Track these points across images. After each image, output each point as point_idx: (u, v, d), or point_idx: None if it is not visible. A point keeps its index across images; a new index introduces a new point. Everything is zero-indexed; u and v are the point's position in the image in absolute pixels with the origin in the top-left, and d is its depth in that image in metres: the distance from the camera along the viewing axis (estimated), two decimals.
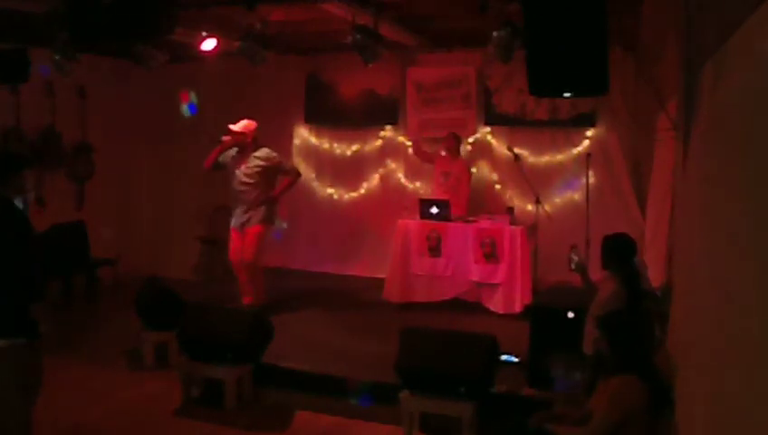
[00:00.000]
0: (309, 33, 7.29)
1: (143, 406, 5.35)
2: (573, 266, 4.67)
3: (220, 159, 6.89)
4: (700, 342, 2.99)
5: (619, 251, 4.31)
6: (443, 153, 7.94)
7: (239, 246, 6.88)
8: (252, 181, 6.80)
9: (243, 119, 7.17)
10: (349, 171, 8.98)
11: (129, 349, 6.24)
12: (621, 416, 3.35)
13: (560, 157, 7.97)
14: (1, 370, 3.54)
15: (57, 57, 6.46)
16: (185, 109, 9.02)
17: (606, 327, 3.64)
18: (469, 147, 8.33)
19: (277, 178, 7.00)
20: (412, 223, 7.45)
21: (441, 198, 7.57)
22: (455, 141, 7.83)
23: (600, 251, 4.40)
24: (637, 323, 3.67)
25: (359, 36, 5.72)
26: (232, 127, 6.83)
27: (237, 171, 6.83)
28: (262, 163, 6.79)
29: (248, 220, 6.83)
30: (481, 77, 8.19)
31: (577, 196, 7.77)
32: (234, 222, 6.96)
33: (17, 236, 3.62)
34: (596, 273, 4.97)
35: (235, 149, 6.85)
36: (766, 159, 1.81)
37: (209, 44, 6.64)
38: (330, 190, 9.10)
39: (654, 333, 4.45)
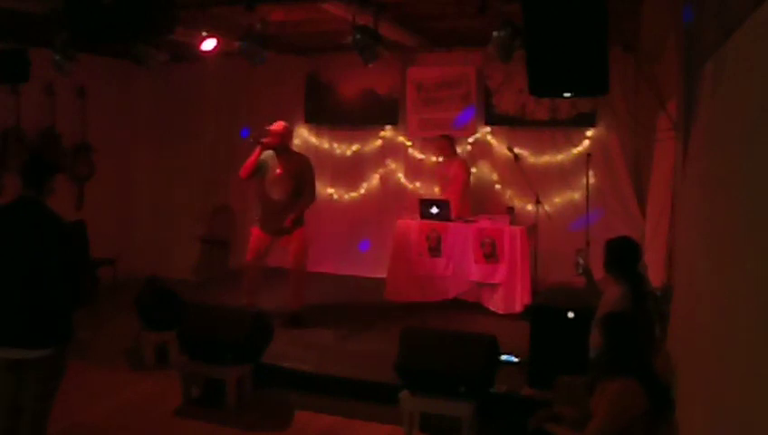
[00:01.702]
0: (309, 33, 7.29)
1: (143, 406, 5.35)
2: (580, 271, 4.67)
3: (260, 163, 6.57)
4: (700, 342, 2.99)
5: (624, 256, 4.27)
6: (439, 158, 7.97)
7: (261, 249, 6.75)
8: (290, 186, 6.59)
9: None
10: (349, 171, 8.98)
11: (129, 349, 6.25)
12: (620, 421, 3.34)
13: (560, 157, 7.98)
14: (34, 375, 3.55)
15: (57, 57, 6.46)
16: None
17: (607, 327, 3.62)
18: (469, 147, 8.33)
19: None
20: (412, 223, 7.45)
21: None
22: (447, 142, 7.80)
23: (604, 255, 4.36)
24: (638, 328, 3.65)
25: (359, 36, 5.72)
26: (271, 127, 6.63)
27: (273, 175, 6.57)
28: (298, 169, 6.62)
29: (284, 225, 6.59)
30: (481, 77, 8.20)
31: (577, 196, 7.78)
32: (262, 224, 6.72)
33: (62, 243, 3.64)
34: (597, 273, 4.97)
35: (270, 151, 6.60)
36: (766, 159, 1.81)
37: (209, 44, 6.64)
38: (330, 190, 9.09)
39: (654, 333, 4.45)
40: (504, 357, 5.26)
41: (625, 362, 3.48)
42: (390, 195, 8.76)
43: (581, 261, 4.67)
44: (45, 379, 3.59)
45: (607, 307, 4.17)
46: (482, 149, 8.33)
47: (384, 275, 7.64)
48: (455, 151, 7.91)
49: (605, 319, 3.70)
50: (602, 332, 3.62)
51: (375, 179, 8.89)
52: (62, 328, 3.61)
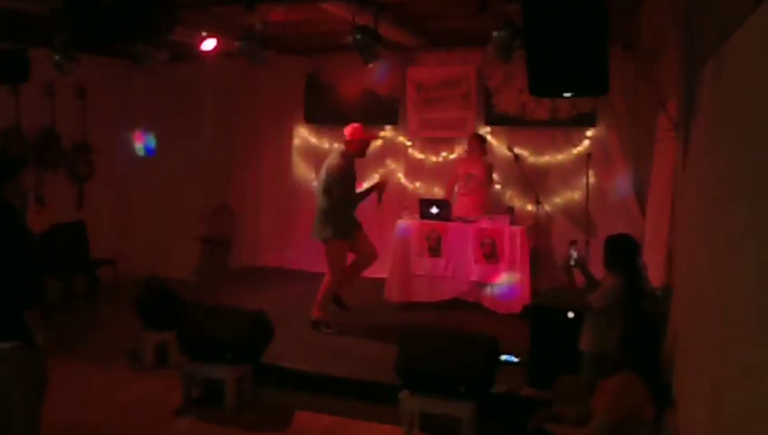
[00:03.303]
0: (309, 33, 7.29)
1: (143, 406, 5.35)
2: (572, 262, 4.67)
3: None
4: (700, 342, 2.99)
5: (624, 253, 4.29)
6: (464, 155, 7.93)
7: None
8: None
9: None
10: None
11: (129, 349, 6.25)
12: (622, 415, 3.35)
13: (560, 157, 7.98)
14: (4, 372, 3.54)
15: (57, 57, 6.46)
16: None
17: (631, 316, 3.65)
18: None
19: None
20: (412, 223, 7.45)
21: (465, 200, 7.56)
22: (478, 142, 7.69)
23: (603, 251, 4.38)
24: (639, 323, 3.67)
25: (359, 36, 5.72)
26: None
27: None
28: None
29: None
30: (481, 77, 8.19)
31: (577, 196, 7.78)
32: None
33: (16, 241, 3.62)
34: (597, 271, 4.96)
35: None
36: (766, 159, 1.81)
37: (209, 44, 6.64)
38: None
39: (658, 332, 4.45)
40: (504, 357, 5.26)
41: (635, 354, 3.49)
42: (390, 195, 8.75)
43: (574, 253, 4.67)
44: (15, 373, 3.56)
45: (599, 298, 4.21)
46: None
47: (384, 275, 7.63)
48: (485, 152, 7.77)
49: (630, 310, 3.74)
50: (626, 322, 3.65)
51: (375, 179, 8.87)
52: (19, 325, 3.58)
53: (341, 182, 6.44)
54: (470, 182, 7.64)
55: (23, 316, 3.57)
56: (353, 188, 6.60)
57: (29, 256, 3.65)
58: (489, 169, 7.73)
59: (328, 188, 6.46)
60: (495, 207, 7.96)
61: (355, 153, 6.61)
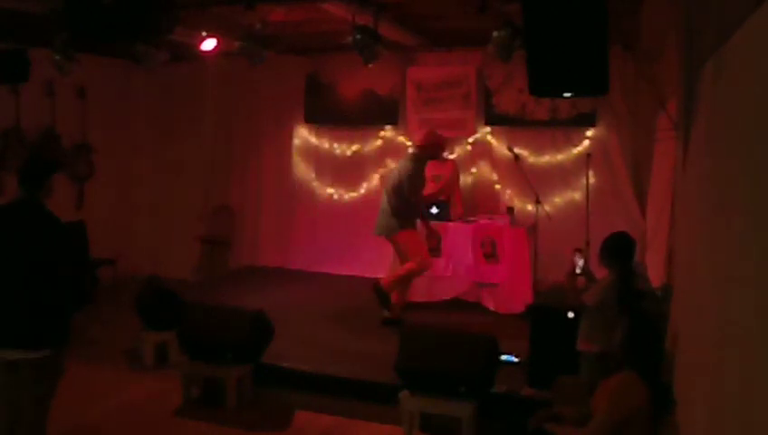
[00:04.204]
0: (309, 33, 7.29)
1: (143, 406, 5.36)
2: (579, 271, 4.69)
3: None
4: (700, 342, 2.99)
5: (618, 250, 4.30)
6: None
7: None
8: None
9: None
10: (349, 171, 8.98)
11: (129, 349, 6.25)
12: (622, 415, 3.35)
13: (560, 157, 7.97)
14: (36, 378, 3.55)
15: (57, 57, 6.46)
16: None
17: (631, 316, 3.66)
18: (469, 147, 8.33)
19: None
20: None
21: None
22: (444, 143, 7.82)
23: (600, 248, 4.40)
24: (635, 322, 3.67)
25: (359, 36, 5.72)
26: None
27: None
28: None
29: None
30: (481, 77, 8.19)
31: (577, 196, 7.78)
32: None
33: (61, 244, 3.64)
34: (597, 273, 4.97)
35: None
36: (766, 158, 1.81)
37: (209, 44, 6.64)
38: (330, 190, 9.10)
39: (658, 331, 4.46)
40: (504, 357, 5.26)
41: (629, 356, 3.50)
42: None
43: (580, 261, 4.69)
44: (43, 380, 3.58)
45: (593, 295, 4.23)
46: (482, 149, 8.32)
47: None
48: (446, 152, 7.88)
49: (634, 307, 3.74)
50: (631, 320, 3.67)
51: (375, 179, 8.88)
52: (60, 330, 3.60)
53: (413, 185, 6.70)
54: (438, 183, 7.67)
55: (68, 319, 3.60)
56: (422, 189, 6.88)
57: (81, 260, 3.69)
58: (455, 169, 7.85)
59: (400, 190, 6.68)
60: (495, 207, 7.96)
61: (428, 156, 6.85)
